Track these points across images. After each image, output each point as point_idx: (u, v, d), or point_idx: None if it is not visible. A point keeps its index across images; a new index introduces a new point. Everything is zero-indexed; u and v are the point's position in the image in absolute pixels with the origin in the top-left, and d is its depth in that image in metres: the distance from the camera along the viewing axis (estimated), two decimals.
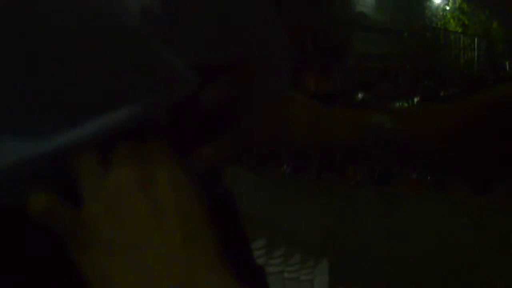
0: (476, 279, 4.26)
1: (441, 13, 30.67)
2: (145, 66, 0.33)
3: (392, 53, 29.75)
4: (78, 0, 0.29)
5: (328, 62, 23.40)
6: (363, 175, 8.94)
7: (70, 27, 0.29)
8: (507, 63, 40.86)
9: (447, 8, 32.42)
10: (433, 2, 33.43)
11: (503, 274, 4.24)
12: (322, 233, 4.39)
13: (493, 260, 4.49)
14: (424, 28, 26.36)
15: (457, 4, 30.56)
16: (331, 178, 9.06)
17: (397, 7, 32.02)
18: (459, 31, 30.84)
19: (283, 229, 2.10)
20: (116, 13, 0.30)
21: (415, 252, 4.91)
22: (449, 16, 29.37)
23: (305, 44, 22.95)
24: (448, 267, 4.47)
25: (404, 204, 7.45)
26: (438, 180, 7.99)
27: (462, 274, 4.34)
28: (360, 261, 4.34)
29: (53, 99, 0.32)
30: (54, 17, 0.29)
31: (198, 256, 0.33)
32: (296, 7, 21.16)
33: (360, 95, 26.11)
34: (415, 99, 25.22)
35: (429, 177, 8.10)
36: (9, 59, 0.27)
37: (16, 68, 0.29)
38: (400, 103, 25.40)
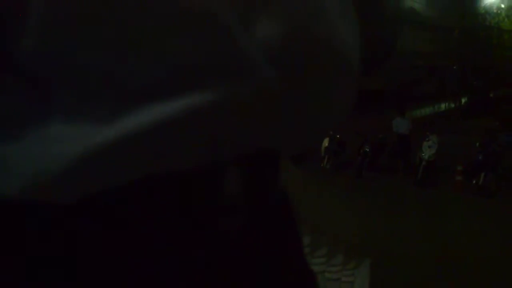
0: None
1: (495, 11, 29.41)
2: (221, 54, 0.28)
3: (441, 51, 28.83)
4: None
5: (377, 59, 22.96)
6: (406, 174, 8.74)
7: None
8: None
9: (502, 6, 31.04)
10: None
11: None
12: (365, 234, 4.35)
13: None
14: (476, 26, 25.42)
15: None
16: (372, 176, 8.89)
17: (449, 4, 30.91)
18: None
19: (326, 228, 2.09)
20: None
21: (455, 257, 4.81)
22: (503, 15, 28.16)
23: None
24: (484, 269, 4.37)
25: (446, 206, 7.26)
26: (483, 185, 7.75)
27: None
28: (401, 263, 4.29)
29: (121, 79, 0.26)
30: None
31: None
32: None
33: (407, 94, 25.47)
34: (463, 100, 24.40)
35: (474, 181, 7.85)
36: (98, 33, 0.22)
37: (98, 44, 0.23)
38: (447, 104, 24.62)
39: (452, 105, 24.26)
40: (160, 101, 0.26)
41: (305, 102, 0.36)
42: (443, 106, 24.34)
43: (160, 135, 0.26)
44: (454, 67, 27.09)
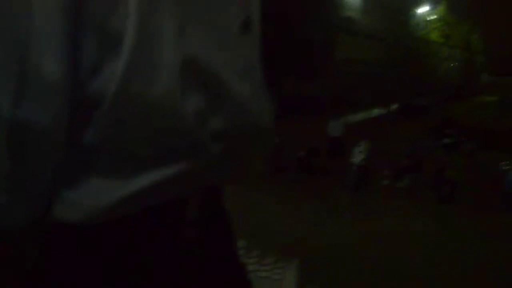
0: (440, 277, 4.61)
1: (424, 23, 31.12)
2: (188, 143, 0.53)
3: (375, 59, 30.08)
4: None
5: (315, 66, 23.71)
6: (338, 179, 9.23)
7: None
8: (484, 75, 41.42)
9: (431, 18, 32.89)
10: (418, 10, 33.88)
11: (461, 273, 4.63)
12: (297, 235, 4.67)
13: (453, 262, 4.85)
14: (407, 37, 26.82)
15: (441, 15, 31.09)
16: (307, 179, 9.31)
17: (383, 14, 32.34)
18: (441, 41, 31.37)
19: (259, 232, 2.30)
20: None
21: (381, 256, 5.24)
22: (432, 27, 29.95)
23: (292, 47, 23.05)
24: (410, 268, 4.81)
25: (375, 208, 7.77)
26: (407, 188, 8.36)
27: (425, 273, 4.69)
28: (327, 262, 4.64)
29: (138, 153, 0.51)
30: None
31: None
32: (286, 11, 21.21)
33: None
34: (394, 105, 25.66)
35: (399, 185, 8.45)
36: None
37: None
38: (379, 109, 25.74)
39: (384, 111, 25.40)
40: (158, 167, 0.52)
41: (237, 162, 0.63)
42: (375, 111, 25.44)
43: (160, 186, 0.52)
44: (387, 75, 28.38)
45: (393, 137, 14.01)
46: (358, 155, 8.92)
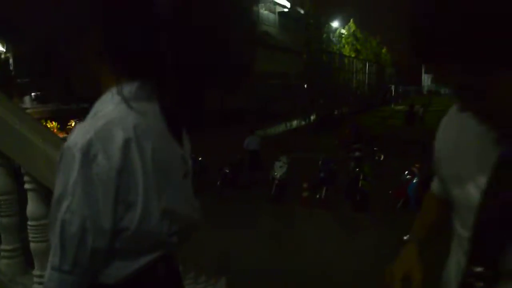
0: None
1: (337, 38, 32.78)
2: (154, 241, 1.04)
3: (293, 72, 31.24)
4: None
5: (235, 79, 24.18)
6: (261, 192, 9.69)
7: None
8: (392, 86, 44.08)
9: (344, 31, 34.73)
10: (331, 26, 35.61)
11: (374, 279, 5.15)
12: (224, 253, 4.99)
13: (366, 268, 5.38)
14: (320, 51, 28.19)
15: (352, 31, 32.97)
16: (232, 195, 9.70)
17: (297, 29, 33.69)
18: (353, 55, 33.27)
19: (192, 256, 2.55)
20: None
21: (303, 265, 5.70)
22: (344, 42, 31.71)
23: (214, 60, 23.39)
24: (332, 276, 5.30)
25: (296, 219, 8.30)
26: (325, 199, 9.01)
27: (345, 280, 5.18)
28: (252, 276, 5.01)
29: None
30: None
31: None
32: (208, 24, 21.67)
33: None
34: (312, 117, 26.79)
35: (317, 196, 9.09)
36: None
37: None
38: (298, 121, 26.72)
39: (303, 122, 26.53)
40: (148, 254, 1.02)
41: (184, 241, 1.11)
42: (295, 123, 26.51)
43: (148, 262, 1.01)
44: (305, 86, 29.65)
45: (311, 149, 14.80)
46: (278, 169, 9.45)
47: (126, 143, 0.90)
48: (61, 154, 0.90)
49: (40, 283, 1.78)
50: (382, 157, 12.07)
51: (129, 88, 0.97)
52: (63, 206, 0.88)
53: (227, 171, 9.90)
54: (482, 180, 0.88)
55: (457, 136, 0.99)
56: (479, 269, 0.87)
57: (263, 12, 34.57)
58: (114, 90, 0.96)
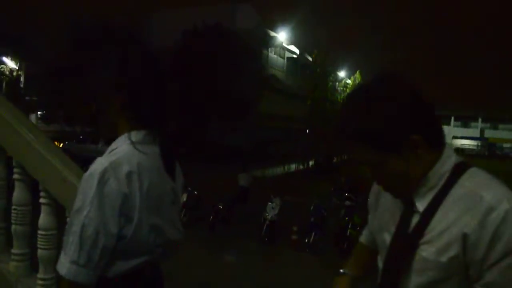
0: None
1: (342, 88, 33.51)
2: (143, 249, 1.37)
3: (296, 116, 31.76)
4: None
5: (235, 118, 24.86)
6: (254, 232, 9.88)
7: None
8: None
9: (349, 81, 35.50)
10: (337, 75, 36.44)
11: None
12: (211, 283, 5.19)
13: None
14: (325, 99, 28.83)
15: (357, 81, 33.71)
16: (224, 231, 9.91)
17: (304, 75, 34.43)
18: None
19: (180, 278, 2.71)
20: None
21: None
22: (348, 91, 32.36)
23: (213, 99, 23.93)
24: None
25: (284, 260, 8.50)
26: (313, 243, 9.20)
27: None
28: None
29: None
30: None
31: None
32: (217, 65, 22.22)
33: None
34: (310, 162, 27.06)
35: (306, 240, 9.28)
36: None
37: None
38: (296, 165, 26.98)
39: (301, 166, 26.86)
40: (137, 257, 1.35)
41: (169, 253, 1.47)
42: (293, 166, 26.83)
43: (139, 263, 1.35)
44: (307, 131, 30.15)
45: (305, 193, 15.05)
46: (271, 210, 9.69)
47: (131, 174, 1.27)
48: (84, 179, 1.27)
49: (42, 286, 2.06)
50: None
51: (139, 135, 1.38)
52: (83, 214, 1.22)
53: (220, 207, 10.14)
54: (393, 229, 1.25)
55: (379, 198, 1.39)
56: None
57: (273, 56, 35.56)
58: (127, 135, 1.37)
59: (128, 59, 1.40)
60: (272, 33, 33.20)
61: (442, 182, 1.16)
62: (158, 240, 1.38)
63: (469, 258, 1.09)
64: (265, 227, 9.51)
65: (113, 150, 1.35)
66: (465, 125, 74.57)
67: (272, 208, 9.75)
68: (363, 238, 1.59)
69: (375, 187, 1.42)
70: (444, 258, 1.11)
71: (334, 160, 27.72)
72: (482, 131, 72.91)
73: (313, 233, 9.24)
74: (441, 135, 1.20)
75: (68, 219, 1.32)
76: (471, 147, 71.66)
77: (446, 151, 1.19)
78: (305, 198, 13.59)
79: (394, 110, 1.11)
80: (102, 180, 1.23)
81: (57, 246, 2.11)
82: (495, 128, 73.30)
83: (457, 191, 1.14)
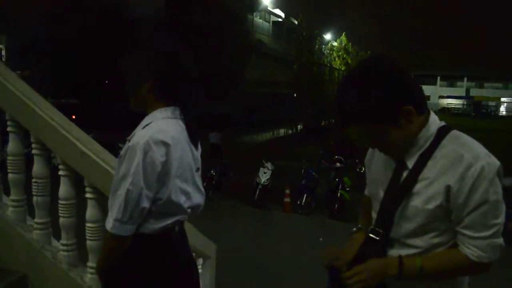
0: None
1: (329, 50, 33.27)
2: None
3: (283, 81, 31.68)
4: None
5: (224, 86, 24.79)
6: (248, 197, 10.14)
7: None
8: None
9: (335, 44, 35.27)
10: (323, 38, 36.12)
11: None
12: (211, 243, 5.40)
13: None
14: (311, 62, 28.75)
15: (343, 44, 33.54)
16: (218, 197, 10.16)
17: (290, 39, 34.15)
18: (343, 68, 33.90)
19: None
20: None
21: (280, 264, 6.17)
22: (335, 55, 32.25)
23: (204, 67, 23.77)
24: (304, 278, 5.77)
25: (277, 223, 8.79)
26: (305, 205, 9.50)
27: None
28: (232, 270, 5.47)
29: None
30: None
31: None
32: (198, 31, 21.91)
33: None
34: (299, 126, 27.28)
35: (298, 202, 9.58)
36: None
37: None
38: (285, 129, 27.17)
39: (290, 131, 27.06)
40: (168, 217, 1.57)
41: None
42: (282, 131, 27.04)
43: (170, 223, 1.62)
44: (294, 96, 30.17)
45: (296, 157, 15.32)
46: (263, 175, 9.94)
47: (167, 146, 1.47)
48: (127, 150, 1.47)
49: (65, 250, 2.25)
50: (363, 169, 12.58)
51: (168, 111, 1.58)
52: (128, 181, 1.43)
53: (213, 173, 10.34)
54: (385, 184, 1.48)
55: (372, 157, 1.62)
56: (378, 229, 1.46)
57: (258, 20, 35.21)
58: (159, 110, 1.57)
59: (161, 45, 1.60)
60: None
61: (428, 143, 1.39)
62: (187, 203, 1.59)
63: (452, 205, 1.33)
64: (257, 191, 9.77)
65: (147, 124, 1.53)
66: (451, 84, 75.05)
67: (264, 172, 9.99)
68: (366, 192, 1.76)
69: (371, 153, 1.64)
70: (431, 206, 1.35)
71: (322, 124, 27.94)
72: (467, 90, 73.51)
73: (304, 195, 9.54)
74: (425, 102, 1.41)
75: (113, 185, 1.51)
76: (457, 106, 72.44)
77: (431, 117, 1.42)
78: (296, 162, 13.89)
79: (390, 87, 1.32)
80: (145, 151, 1.43)
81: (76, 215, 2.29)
82: (480, 86, 73.92)
83: (441, 151, 1.37)
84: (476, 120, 48.61)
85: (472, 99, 72.06)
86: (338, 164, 10.94)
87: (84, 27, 19.33)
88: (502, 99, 71.83)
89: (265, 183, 9.84)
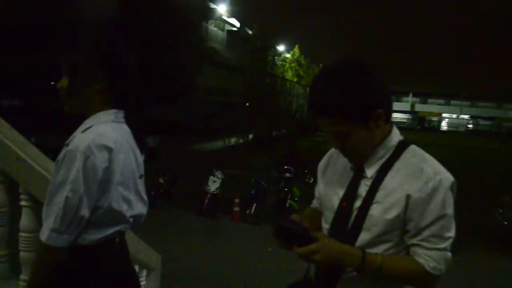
0: None
1: (282, 61, 33.62)
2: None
3: (235, 90, 31.69)
4: None
5: (175, 93, 24.45)
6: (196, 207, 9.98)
7: None
8: None
9: (288, 56, 35.72)
10: (277, 49, 36.52)
11: None
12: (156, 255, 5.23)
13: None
14: (264, 73, 28.97)
15: (296, 56, 34.01)
16: (164, 206, 9.93)
17: (244, 49, 34.27)
18: (295, 80, 34.38)
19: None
20: None
21: (228, 272, 6.09)
22: (287, 66, 32.69)
23: (153, 74, 23.42)
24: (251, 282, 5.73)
25: (223, 232, 8.71)
26: (254, 214, 9.46)
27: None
28: (178, 279, 5.36)
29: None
30: None
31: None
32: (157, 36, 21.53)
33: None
34: (250, 136, 27.34)
35: (247, 211, 9.53)
36: None
37: None
38: (237, 138, 27.13)
39: (241, 140, 27.05)
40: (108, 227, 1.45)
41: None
42: (233, 140, 26.97)
43: (110, 234, 1.50)
44: (246, 105, 30.23)
45: (246, 166, 15.33)
46: (212, 184, 9.83)
47: (109, 151, 1.39)
48: (65, 154, 1.37)
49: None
50: (312, 180, 12.78)
51: (111, 114, 1.49)
52: (67, 188, 1.33)
53: (162, 181, 10.14)
54: (341, 192, 1.48)
55: (329, 167, 1.60)
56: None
57: (212, 28, 35.11)
58: (102, 113, 1.47)
59: (115, 43, 1.51)
60: (212, 5, 32.71)
61: (389, 154, 1.42)
62: (129, 212, 1.51)
63: (409, 216, 1.35)
64: (206, 200, 9.64)
65: (88, 128, 1.44)
66: (397, 99, 77.72)
67: (214, 181, 9.89)
68: (315, 204, 1.75)
69: (326, 156, 1.64)
70: (390, 216, 1.36)
71: (273, 134, 28.13)
72: (412, 105, 76.44)
73: (254, 205, 9.51)
74: (392, 112, 1.43)
75: (49, 192, 1.39)
76: (403, 120, 75.11)
77: (394, 129, 1.45)
78: (246, 171, 13.88)
79: (369, 88, 1.33)
80: (85, 155, 1.35)
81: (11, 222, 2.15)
82: (424, 102, 77.10)
83: (401, 162, 1.40)
84: (420, 133, 50.79)
85: (417, 114, 75.03)
86: (287, 174, 11.02)
87: (26, 24, 18.47)
88: (444, 115, 75.36)
89: (215, 192, 9.74)
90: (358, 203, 1.41)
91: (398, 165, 1.40)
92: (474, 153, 31.71)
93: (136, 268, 2.97)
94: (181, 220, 9.05)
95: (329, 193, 1.53)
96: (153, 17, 23.44)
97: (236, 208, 9.61)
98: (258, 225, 9.25)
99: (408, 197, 1.34)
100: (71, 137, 1.43)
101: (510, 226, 8.90)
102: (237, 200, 9.60)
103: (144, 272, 3.07)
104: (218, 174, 10.09)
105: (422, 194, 1.33)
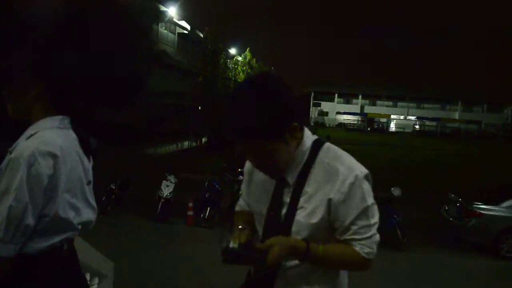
0: None
1: (233, 64, 33.65)
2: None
3: (188, 93, 31.44)
4: None
5: (124, 96, 23.81)
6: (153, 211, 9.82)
7: None
8: None
9: (240, 58, 35.78)
10: (229, 52, 36.52)
11: None
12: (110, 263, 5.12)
13: None
14: (216, 75, 28.92)
15: (247, 59, 34.13)
16: (117, 212, 9.72)
17: (195, 52, 34.05)
18: None
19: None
20: None
21: (181, 276, 6.04)
22: (239, 69, 32.75)
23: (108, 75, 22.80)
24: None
25: (179, 236, 8.63)
26: (208, 218, 9.42)
27: None
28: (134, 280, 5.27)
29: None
30: None
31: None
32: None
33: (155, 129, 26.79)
34: (203, 139, 27.19)
35: (202, 215, 9.46)
36: None
37: None
38: (190, 142, 26.94)
39: (194, 144, 26.87)
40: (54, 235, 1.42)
41: None
42: (186, 143, 26.75)
43: (57, 241, 1.48)
44: (199, 108, 30.06)
45: (200, 170, 15.23)
46: (165, 188, 9.71)
47: (55, 158, 1.36)
48: (8, 162, 1.33)
49: None
50: None
51: (56, 120, 1.46)
52: (10, 196, 1.29)
53: (113, 187, 9.91)
54: (267, 201, 1.54)
55: (255, 174, 1.65)
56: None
57: (163, 31, 34.69)
58: (46, 120, 1.44)
59: (54, 48, 1.47)
60: (162, 8, 32.32)
61: (305, 158, 1.48)
62: (76, 219, 1.49)
63: (333, 216, 1.43)
64: (160, 205, 9.51)
65: (32, 134, 1.41)
66: (348, 101, 79.59)
67: (167, 186, 9.77)
68: (239, 207, 1.85)
69: (248, 165, 1.70)
70: (314, 220, 1.44)
71: (226, 137, 28.02)
72: (362, 107, 78.51)
73: (208, 208, 9.47)
74: (303, 121, 1.48)
75: None
76: (353, 121, 76.95)
77: (305, 132, 1.50)
78: (199, 174, 13.79)
79: (283, 103, 1.37)
80: (29, 163, 1.32)
81: None
82: (373, 104, 79.38)
83: (317, 166, 1.47)
84: (370, 135, 52.20)
85: (366, 116, 77.15)
86: (241, 177, 11.00)
87: None
88: (392, 116, 77.90)
89: (168, 197, 9.62)
90: (284, 210, 1.48)
91: (315, 169, 1.46)
92: (421, 153, 32.91)
93: (88, 276, 2.91)
94: (134, 226, 8.90)
95: (256, 201, 1.60)
96: (100, 18, 22.83)
97: (190, 212, 9.52)
98: (213, 228, 9.22)
99: (329, 200, 1.42)
100: (15, 144, 1.40)
101: (454, 222, 9.29)
102: (190, 204, 9.52)
103: (96, 280, 3.00)
104: (171, 178, 9.98)
105: (341, 195, 1.40)
